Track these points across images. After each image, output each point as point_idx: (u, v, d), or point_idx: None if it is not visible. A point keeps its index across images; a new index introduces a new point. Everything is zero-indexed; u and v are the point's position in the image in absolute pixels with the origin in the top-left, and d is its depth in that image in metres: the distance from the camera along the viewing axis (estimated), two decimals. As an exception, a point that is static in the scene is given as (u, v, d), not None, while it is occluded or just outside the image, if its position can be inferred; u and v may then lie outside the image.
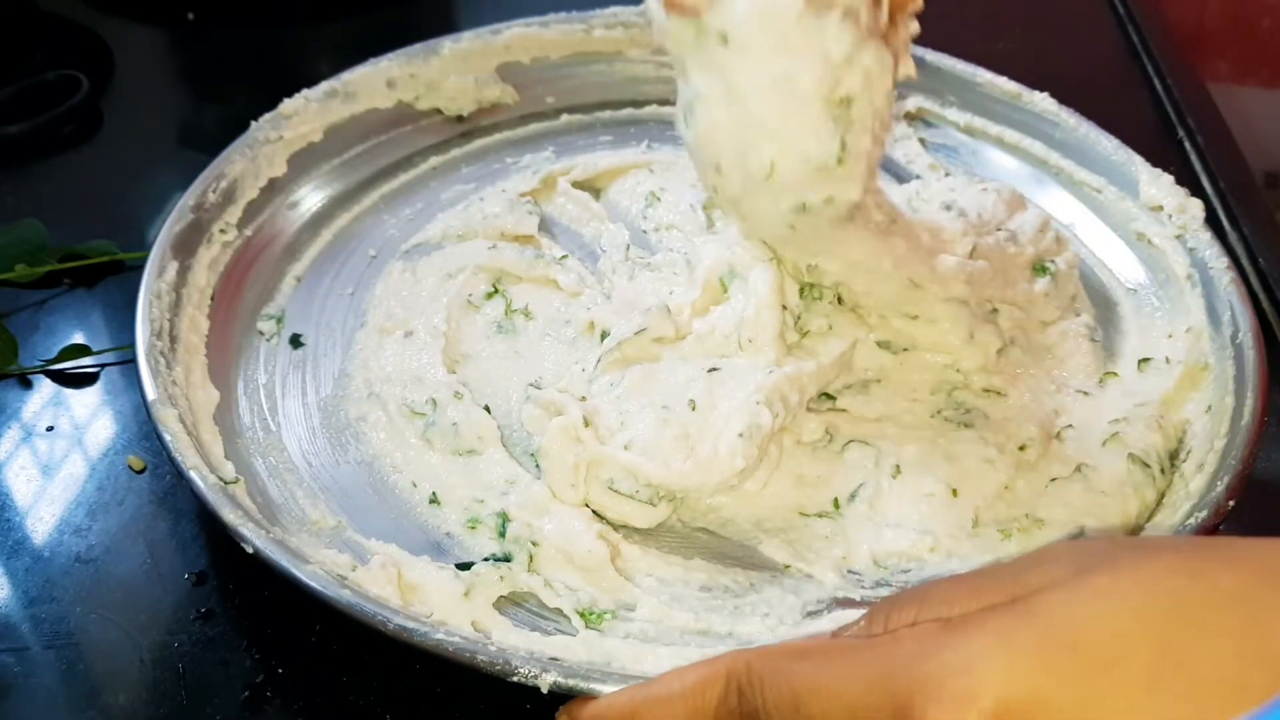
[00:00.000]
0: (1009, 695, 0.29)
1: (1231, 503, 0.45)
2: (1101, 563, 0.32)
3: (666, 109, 0.70)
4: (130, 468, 0.52)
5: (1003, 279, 0.55)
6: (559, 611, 0.45)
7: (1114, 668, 0.29)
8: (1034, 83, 0.66)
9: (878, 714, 0.31)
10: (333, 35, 0.85)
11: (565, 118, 0.71)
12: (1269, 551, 0.31)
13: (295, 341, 0.57)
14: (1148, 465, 0.49)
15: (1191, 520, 0.45)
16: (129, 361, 0.57)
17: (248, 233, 0.60)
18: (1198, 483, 0.47)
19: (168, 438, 0.47)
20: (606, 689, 0.38)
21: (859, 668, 0.32)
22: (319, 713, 0.44)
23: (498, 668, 0.39)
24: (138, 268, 0.54)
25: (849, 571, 0.47)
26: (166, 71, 0.85)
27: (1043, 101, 0.65)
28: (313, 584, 0.42)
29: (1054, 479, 0.49)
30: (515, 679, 0.39)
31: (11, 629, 0.46)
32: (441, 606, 0.44)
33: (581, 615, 0.45)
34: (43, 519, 0.50)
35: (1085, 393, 0.53)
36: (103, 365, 0.57)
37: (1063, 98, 0.65)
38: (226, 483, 0.47)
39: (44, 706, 0.44)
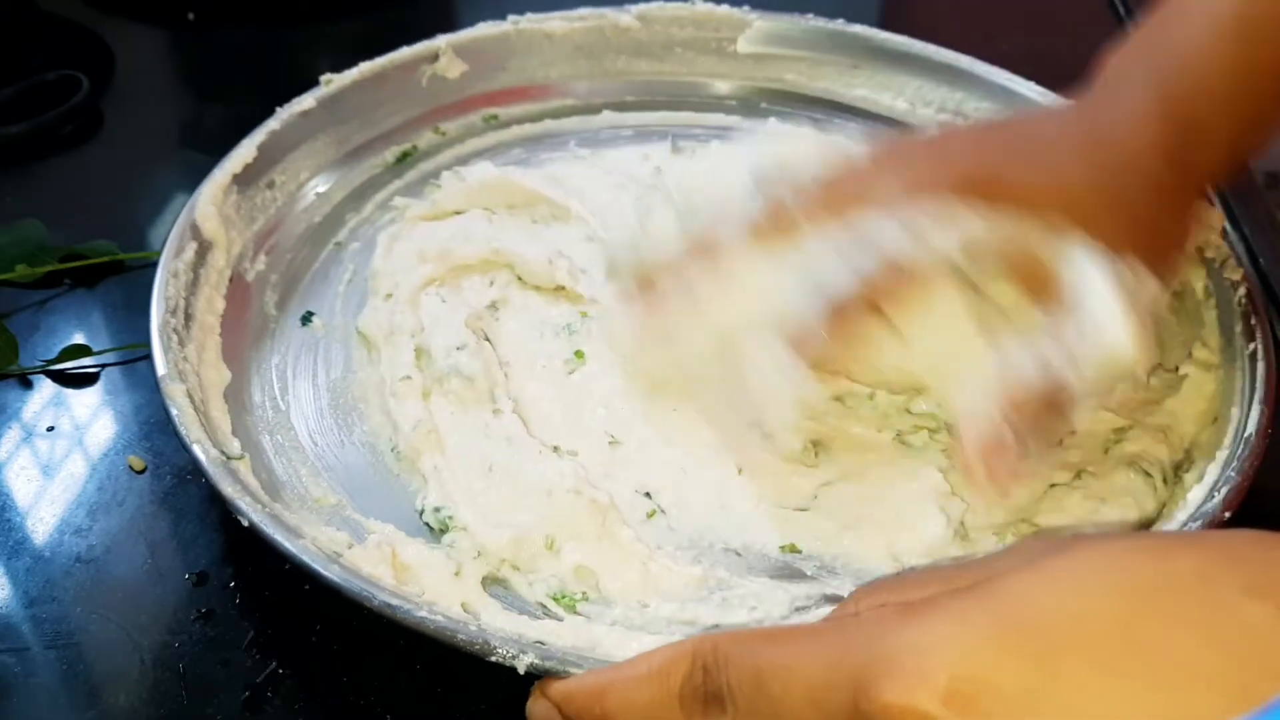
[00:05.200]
0: (962, 674, 0.29)
1: (1229, 514, 0.45)
2: (1061, 549, 0.32)
3: (683, 112, 0.72)
4: (131, 468, 0.52)
5: None
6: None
7: (1069, 648, 0.29)
8: (1036, 84, 0.66)
9: (836, 692, 0.31)
10: (333, 35, 0.85)
11: (587, 113, 0.72)
12: (1230, 538, 0.32)
13: (306, 319, 0.57)
14: (1149, 475, 0.48)
15: (1186, 530, 0.45)
16: (130, 361, 0.57)
17: (270, 215, 0.61)
18: (1197, 494, 0.47)
19: (174, 412, 0.47)
20: (582, 673, 0.38)
21: (821, 648, 0.32)
22: (319, 713, 0.44)
23: (476, 647, 0.40)
24: (138, 268, 0.54)
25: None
26: (166, 71, 0.85)
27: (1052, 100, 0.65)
28: (304, 558, 0.42)
29: (1053, 485, 0.49)
30: (494, 658, 0.39)
31: (12, 629, 0.46)
32: (433, 587, 0.44)
33: (555, 600, 0.45)
34: (43, 519, 0.50)
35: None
36: (103, 365, 0.57)
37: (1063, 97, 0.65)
38: (229, 458, 0.47)
39: (44, 706, 0.44)
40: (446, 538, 0.47)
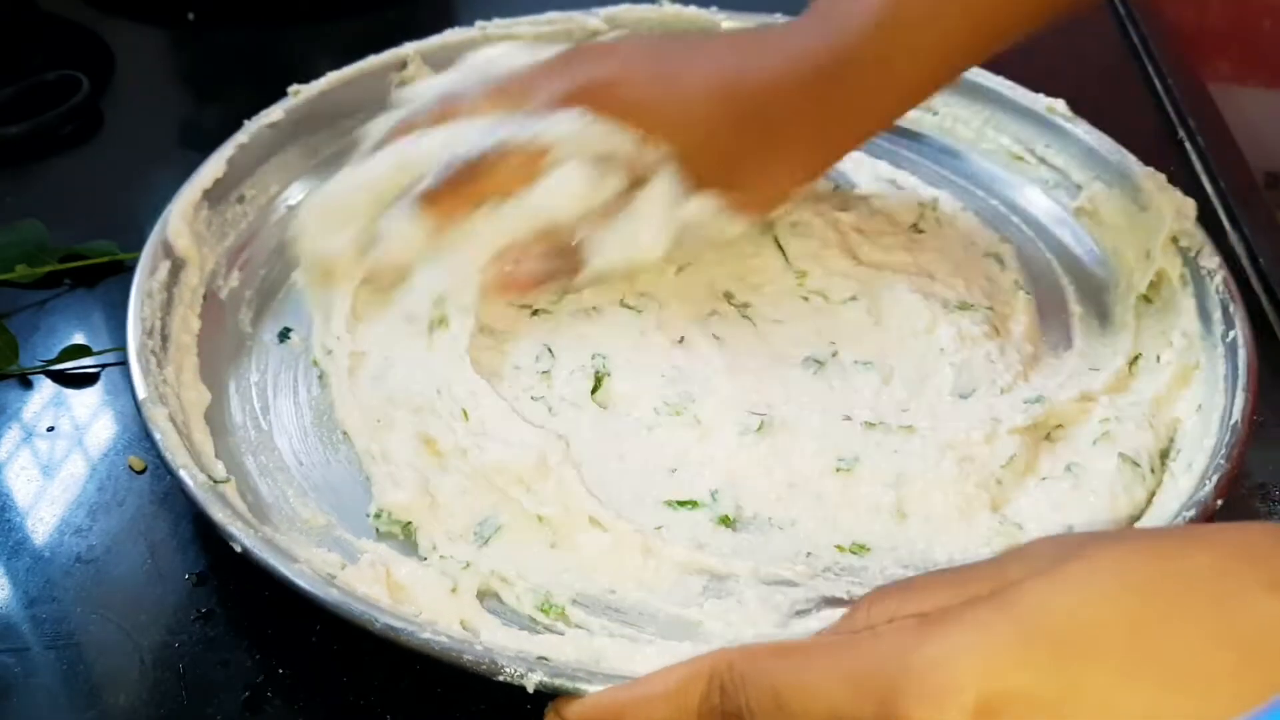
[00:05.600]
0: (990, 688, 0.29)
1: (1220, 502, 0.45)
2: (1077, 552, 0.32)
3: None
4: (130, 468, 0.52)
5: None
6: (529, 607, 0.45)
7: (1090, 657, 0.29)
8: (1033, 83, 0.66)
9: (859, 711, 0.31)
10: (333, 35, 0.85)
11: None
12: (1246, 532, 0.32)
13: (283, 335, 0.57)
14: (1138, 464, 0.49)
15: (1179, 520, 0.45)
16: (128, 362, 0.57)
17: (241, 230, 0.60)
18: (1186, 482, 0.47)
19: (158, 437, 0.47)
20: (593, 688, 0.38)
21: (839, 665, 0.32)
22: (319, 713, 0.44)
23: (484, 667, 0.39)
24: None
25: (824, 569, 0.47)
26: (166, 71, 0.85)
27: (1037, 99, 0.65)
28: (301, 583, 0.42)
29: (1044, 478, 0.49)
30: (501, 678, 0.39)
31: (12, 629, 0.46)
32: (430, 605, 0.44)
33: (543, 610, 0.45)
34: (43, 519, 0.50)
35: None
36: (103, 365, 0.57)
37: (1061, 97, 0.65)
38: (217, 482, 0.47)
39: (44, 707, 0.44)
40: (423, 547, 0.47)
